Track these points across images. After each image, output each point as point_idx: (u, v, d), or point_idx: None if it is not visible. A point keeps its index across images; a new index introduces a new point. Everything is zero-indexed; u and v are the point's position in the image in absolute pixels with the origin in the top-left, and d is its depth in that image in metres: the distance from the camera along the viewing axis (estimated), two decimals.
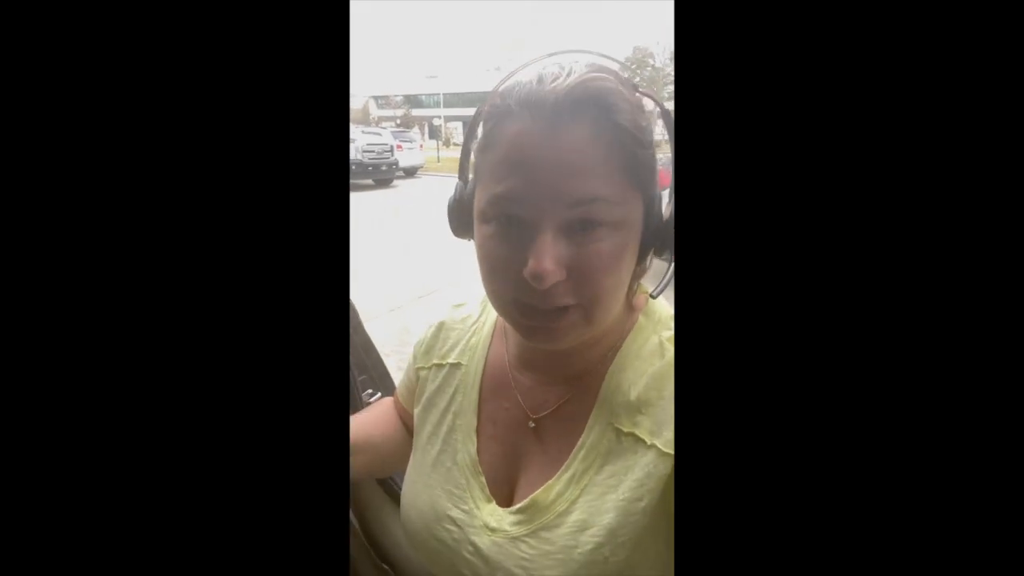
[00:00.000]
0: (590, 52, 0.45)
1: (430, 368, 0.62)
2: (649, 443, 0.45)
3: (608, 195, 0.41)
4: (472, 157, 0.48)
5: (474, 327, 0.61)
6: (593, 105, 0.41)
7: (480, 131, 0.46)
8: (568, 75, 0.41)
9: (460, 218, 0.49)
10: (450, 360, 0.60)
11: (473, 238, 0.48)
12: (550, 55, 0.45)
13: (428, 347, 0.63)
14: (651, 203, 0.45)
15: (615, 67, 0.45)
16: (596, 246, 0.42)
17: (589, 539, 0.45)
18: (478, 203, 0.46)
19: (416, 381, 0.63)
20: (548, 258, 0.41)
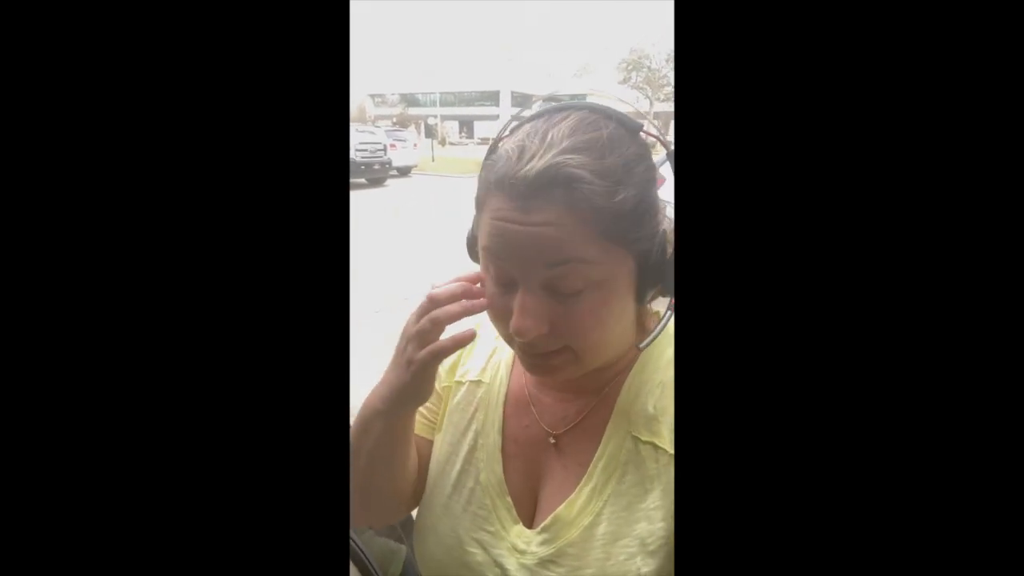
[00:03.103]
0: (605, 94, 0.44)
1: (451, 386, 0.60)
2: (670, 452, 0.46)
3: (585, 256, 0.41)
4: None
5: (497, 343, 0.59)
6: (561, 187, 0.40)
7: (478, 182, 0.45)
8: (547, 149, 0.41)
9: (473, 248, 0.50)
10: (470, 378, 0.58)
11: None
12: (557, 106, 0.45)
13: (452, 365, 0.60)
14: (645, 254, 0.44)
15: (626, 108, 0.44)
16: (579, 305, 0.43)
17: (622, 550, 0.45)
18: (480, 241, 0.46)
19: (438, 403, 0.60)
20: (529, 316, 0.42)
